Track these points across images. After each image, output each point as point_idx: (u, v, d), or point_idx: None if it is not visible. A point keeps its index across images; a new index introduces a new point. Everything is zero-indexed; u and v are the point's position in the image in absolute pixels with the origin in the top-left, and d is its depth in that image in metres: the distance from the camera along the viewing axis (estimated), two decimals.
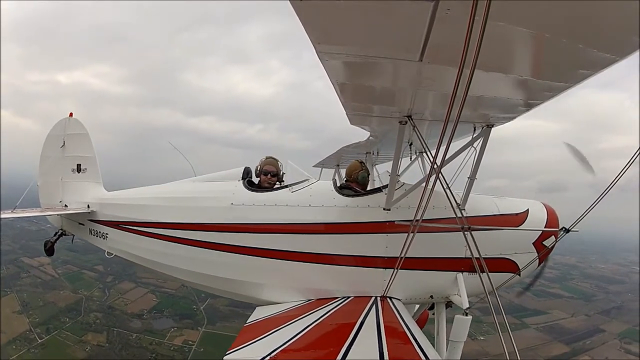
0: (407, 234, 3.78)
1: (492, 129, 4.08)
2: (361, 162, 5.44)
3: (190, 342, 40.55)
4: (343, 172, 7.96)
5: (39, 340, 38.44)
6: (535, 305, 49.66)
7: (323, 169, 9.02)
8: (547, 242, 5.08)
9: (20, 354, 36.05)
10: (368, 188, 5.37)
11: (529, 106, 3.36)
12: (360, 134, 4.88)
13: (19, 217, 6.09)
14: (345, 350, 3.28)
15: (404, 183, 4.85)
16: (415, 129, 3.78)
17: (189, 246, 5.07)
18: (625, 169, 3.09)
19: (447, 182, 3.65)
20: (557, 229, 5.04)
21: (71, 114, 6.59)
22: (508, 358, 2.68)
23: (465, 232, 3.39)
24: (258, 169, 5.40)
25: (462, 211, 4.33)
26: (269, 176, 5.32)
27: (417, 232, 3.69)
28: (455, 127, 2.35)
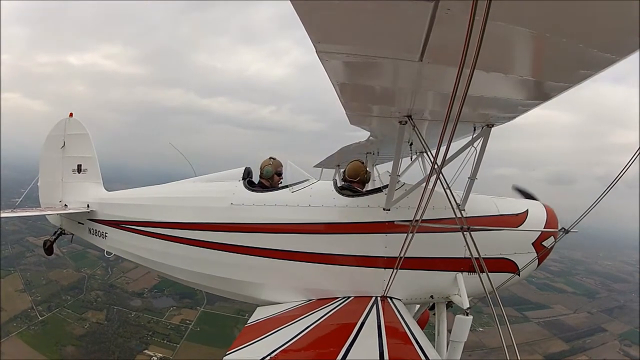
0: (407, 234, 3.78)
1: (492, 128, 4.09)
2: (362, 162, 5.47)
3: (188, 321, 41.43)
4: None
5: (40, 318, 39.32)
6: (538, 299, 49.58)
7: (323, 170, 9.02)
8: (547, 243, 5.09)
9: (20, 331, 36.98)
10: (368, 188, 5.37)
11: (529, 106, 3.36)
12: (361, 132, 4.88)
13: (19, 217, 6.11)
14: (346, 351, 3.28)
15: (404, 183, 4.85)
16: (415, 129, 3.78)
17: (189, 246, 5.07)
18: (625, 169, 3.09)
19: (447, 182, 3.65)
20: (556, 230, 5.04)
21: (71, 114, 6.58)
22: (507, 352, 2.68)
23: (465, 233, 3.39)
24: (267, 169, 5.41)
25: (462, 211, 4.32)
26: (280, 177, 5.45)
27: (417, 232, 3.68)
28: (455, 127, 2.34)
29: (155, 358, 36.27)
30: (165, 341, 38.63)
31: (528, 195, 5.72)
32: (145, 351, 37.08)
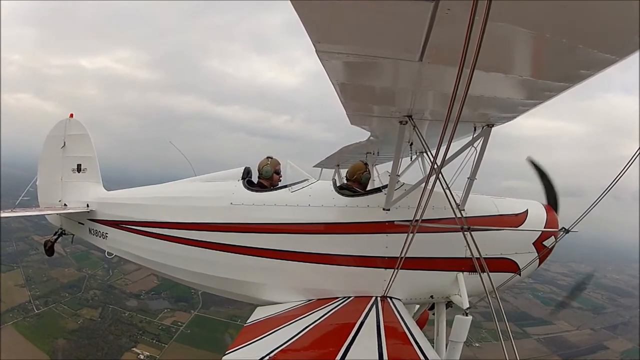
0: (407, 234, 3.78)
1: (492, 128, 4.09)
2: (366, 164, 5.48)
3: (179, 323, 42.04)
4: (343, 172, 7.97)
5: (36, 311, 40.36)
6: (541, 314, 47.84)
7: (323, 170, 9.02)
8: (547, 243, 5.09)
9: (15, 321, 38.20)
10: (368, 188, 5.38)
11: (529, 106, 3.36)
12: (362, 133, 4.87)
13: (19, 217, 6.10)
14: (345, 350, 3.28)
15: (404, 183, 4.85)
16: (416, 128, 3.78)
17: (189, 246, 5.07)
18: (624, 170, 3.09)
19: (447, 182, 3.65)
20: (556, 229, 5.05)
21: (71, 115, 6.59)
22: None
23: (465, 232, 3.39)
24: (266, 169, 5.41)
25: (462, 211, 4.32)
26: (279, 175, 5.44)
27: (417, 232, 3.69)
28: (456, 127, 2.34)
29: (142, 356, 36.87)
30: (154, 341, 39.19)
31: (541, 173, 5.59)
32: (134, 349, 37.65)
